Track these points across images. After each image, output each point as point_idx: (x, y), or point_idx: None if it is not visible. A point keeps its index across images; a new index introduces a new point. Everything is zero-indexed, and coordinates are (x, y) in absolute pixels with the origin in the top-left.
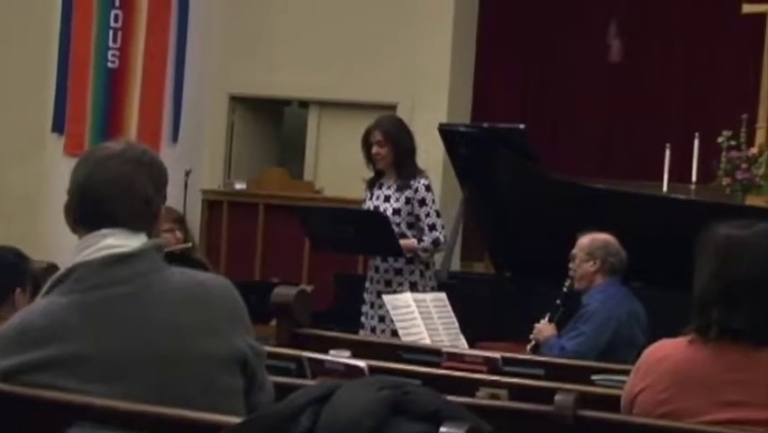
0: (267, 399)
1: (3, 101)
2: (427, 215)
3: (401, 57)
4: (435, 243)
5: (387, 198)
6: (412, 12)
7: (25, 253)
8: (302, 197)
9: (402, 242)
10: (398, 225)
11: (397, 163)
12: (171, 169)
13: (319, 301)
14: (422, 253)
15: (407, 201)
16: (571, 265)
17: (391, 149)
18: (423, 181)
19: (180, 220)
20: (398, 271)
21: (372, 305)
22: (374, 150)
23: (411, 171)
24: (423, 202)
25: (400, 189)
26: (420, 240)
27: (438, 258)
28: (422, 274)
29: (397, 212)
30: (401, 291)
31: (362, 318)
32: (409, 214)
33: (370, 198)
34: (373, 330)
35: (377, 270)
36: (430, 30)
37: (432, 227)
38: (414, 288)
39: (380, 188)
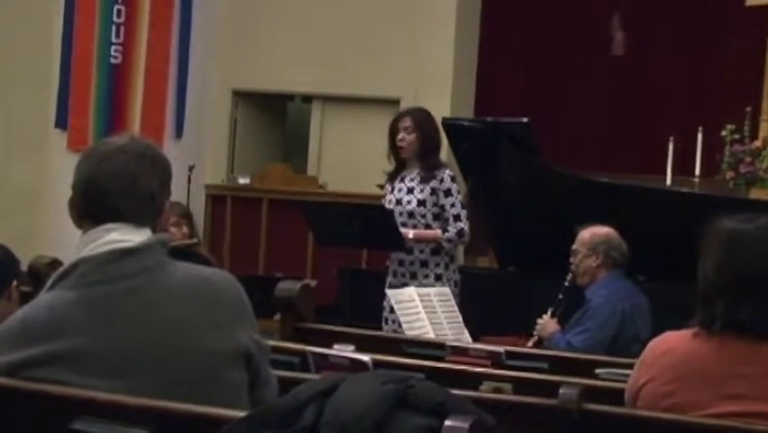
0: (271, 393)
1: (6, 97)
2: (452, 205)
3: (404, 51)
4: (460, 234)
5: (410, 190)
6: (415, 6)
7: (28, 247)
8: (305, 191)
9: (426, 232)
10: (424, 216)
11: (421, 153)
12: (175, 164)
13: (323, 296)
14: (446, 244)
15: (433, 192)
16: (572, 260)
17: (418, 137)
18: (448, 172)
19: (187, 215)
20: (424, 263)
21: None
22: (400, 135)
23: (435, 163)
24: (448, 192)
25: (425, 181)
26: (445, 231)
27: (459, 251)
28: (446, 266)
29: (422, 203)
30: (427, 283)
31: (386, 313)
32: (434, 205)
33: (392, 192)
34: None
35: (401, 263)
36: (433, 24)
37: (457, 218)
38: (439, 280)
39: (402, 181)
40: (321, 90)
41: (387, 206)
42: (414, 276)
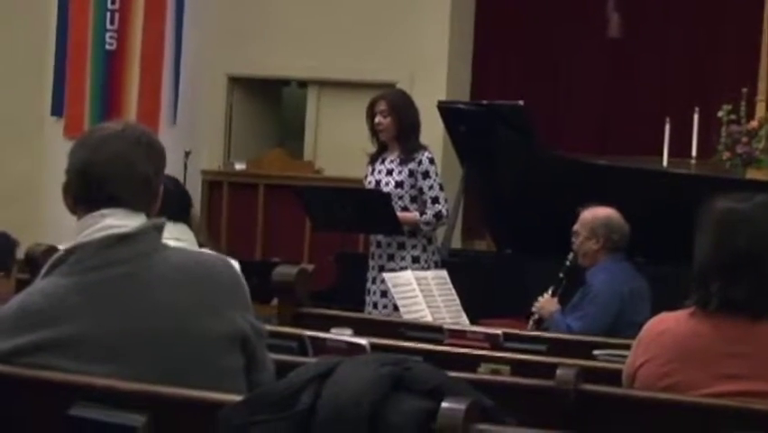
0: (268, 377)
1: (1, 85)
2: (430, 187)
3: (399, 35)
4: (438, 216)
5: (389, 172)
6: None
7: (25, 234)
8: (302, 176)
9: (403, 215)
10: (401, 198)
11: (399, 136)
12: (171, 150)
13: (320, 280)
14: (424, 226)
15: (411, 174)
16: (573, 240)
17: (394, 120)
18: (426, 154)
19: None
20: (401, 245)
21: (374, 280)
22: (377, 119)
23: (414, 145)
24: (426, 175)
25: (403, 163)
26: (422, 213)
27: (439, 234)
28: (424, 249)
29: (399, 185)
30: (403, 265)
31: (366, 296)
32: (412, 187)
33: (372, 173)
34: (375, 305)
35: (378, 245)
36: (428, 7)
37: (435, 200)
38: (416, 262)
39: (383, 162)
40: (316, 75)
41: (367, 187)
42: (391, 258)
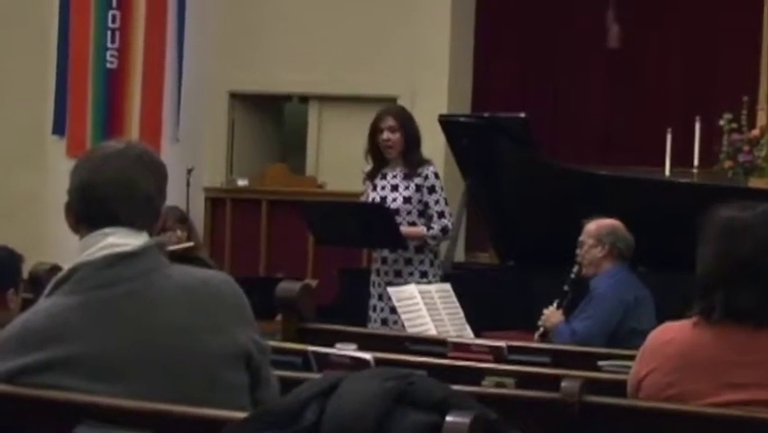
0: (272, 394)
1: (2, 105)
2: (436, 202)
3: (400, 49)
4: (444, 230)
5: (395, 188)
6: (410, 3)
7: (27, 254)
8: (305, 192)
9: (411, 229)
10: (410, 213)
11: (405, 151)
12: (173, 167)
13: (324, 296)
14: (431, 241)
15: (417, 188)
16: (578, 251)
17: (403, 135)
18: (432, 169)
19: (182, 219)
20: (408, 261)
21: (381, 297)
22: (385, 135)
23: (419, 159)
24: (432, 189)
25: (408, 177)
26: (429, 227)
27: (443, 248)
28: (431, 263)
29: (407, 200)
30: (412, 281)
31: (370, 312)
32: (419, 201)
33: (374, 190)
34: (384, 322)
35: (384, 261)
36: (428, 21)
37: (440, 215)
38: (424, 276)
39: (384, 178)
40: (317, 90)
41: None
42: (398, 274)
